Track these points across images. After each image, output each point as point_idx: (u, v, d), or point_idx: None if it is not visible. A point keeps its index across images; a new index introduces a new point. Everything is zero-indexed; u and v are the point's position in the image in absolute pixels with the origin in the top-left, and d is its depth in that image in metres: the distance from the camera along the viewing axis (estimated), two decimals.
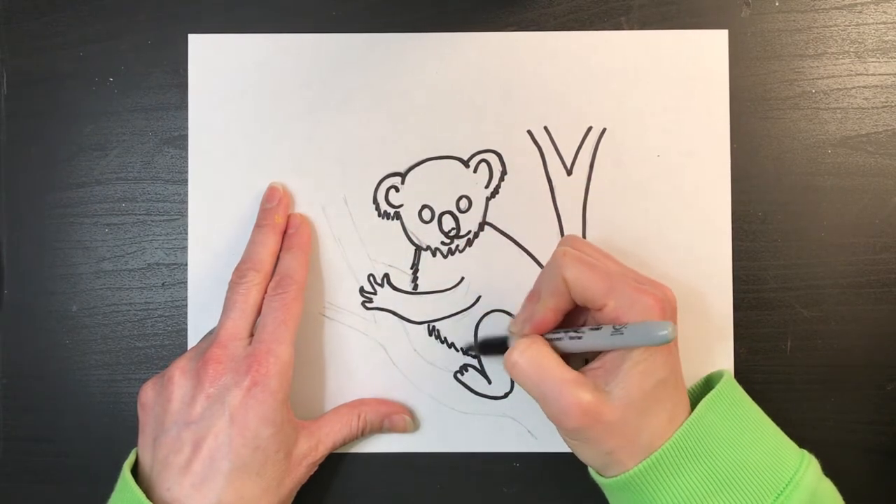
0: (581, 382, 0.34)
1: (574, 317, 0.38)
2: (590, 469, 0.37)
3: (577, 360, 0.37)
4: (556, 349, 0.36)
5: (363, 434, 0.41)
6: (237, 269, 0.39)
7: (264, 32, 0.42)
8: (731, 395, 0.37)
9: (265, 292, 0.39)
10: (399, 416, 0.41)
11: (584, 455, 0.35)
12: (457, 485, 0.42)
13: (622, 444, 0.34)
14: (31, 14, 0.42)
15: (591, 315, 0.36)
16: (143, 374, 0.42)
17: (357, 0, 0.42)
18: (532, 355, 0.35)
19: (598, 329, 0.34)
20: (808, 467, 0.34)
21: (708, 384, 0.39)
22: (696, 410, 0.35)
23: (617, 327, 0.33)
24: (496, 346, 0.40)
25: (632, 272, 0.37)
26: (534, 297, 0.37)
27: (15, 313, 0.42)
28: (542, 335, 0.36)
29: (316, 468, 0.40)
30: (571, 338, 0.35)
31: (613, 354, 0.34)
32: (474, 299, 0.42)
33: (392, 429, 0.41)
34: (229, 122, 0.42)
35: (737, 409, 0.36)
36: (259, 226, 0.41)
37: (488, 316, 0.42)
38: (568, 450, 0.42)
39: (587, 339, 0.35)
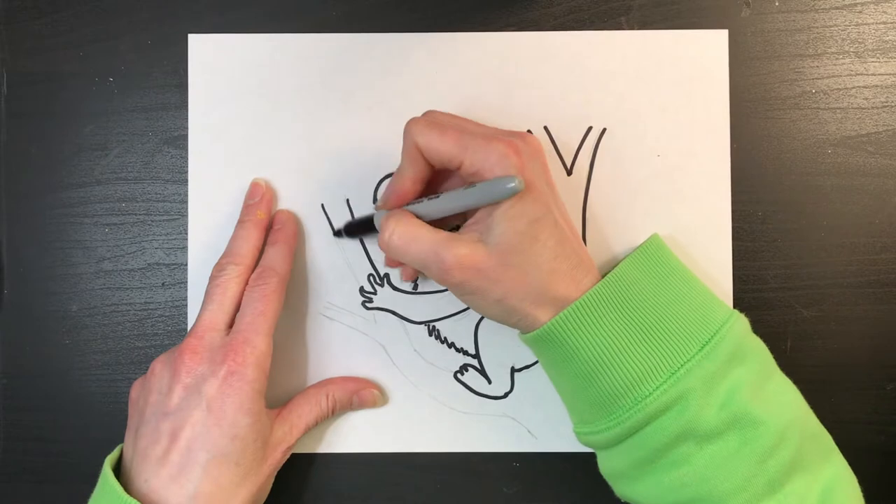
0: (454, 238, 0.34)
1: (441, 183, 0.39)
2: (518, 335, 0.37)
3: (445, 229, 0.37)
4: (422, 219, 0.36)
5: (333, 412, 0.41)
6: (217, 263, 0.39)
7: (264, 32, 0.42)
8: (658, 253, 0.38)
9: (246, 285, 0.39)
10: (367, 391, 0.41)
11: (484, 309, 0.36)
12: (457, 485, 0.42)
13: (512, 289, 0.34)
14: (31, 14, 0.42)
15: (457, 178, 0.37)
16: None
17: (357, 0, 0.42)
18: (403, 229, 0.35)
19: (454, 189, 0.35)
20: (736, 321, 0.35)
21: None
22: (617, 266, 0.36)
23: (470, 185, 0.34)
24: (363, 226, 0.40)
25: (486, 127, 0.37)
26: (396, 174, 0.38)
27: (15, 313, 0.42)
28: (404, 207, 0.37)
29: (291, 452, 0.40)
30: (430, 199, 0.36)
31: (483, 209, 0.35)
32: None
33: (362, 404, 0.41)
34: (229, 122, 0.42)
35: (663, 267, 0.37)
36: (241, 221, 0.41)
37: None
38: (568, 450, 0.42)
39: (444, 199, 0.35)
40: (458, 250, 0.34)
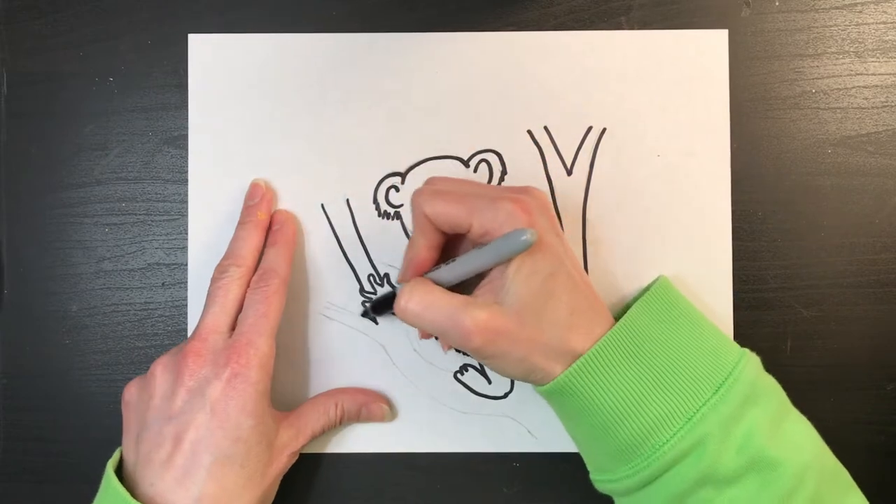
0: (470, 303, 0.34)
1: (455, 250, 0.38)
2: (532, 386, 0.37)
3: (469, 291, 0.37)
4: (441, 285, 0.36)
5: (341, 422, 0.41)
6: (219, 265, 0.39)
7: (264, 32, 0.42)
8: (666, 296, 0.37)
9: (248, 287, 0.39)
10: (376, 405, 0.41)
11: (505, 370, 0.35)
12: (457, 485, 0.42)
13: (532, 348, 0.34)
14: (31, 14, 0.42)
15: (469, 242, 0.37)
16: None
17: (357, 0, 0.42)
18: (418, 295, 0.35)
19: (469, 252, 0.35)
20: (747, 362, 0.35)
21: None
22: (626, 314, 0.35)
23: (483, 245, 0.34)
24: (387, 302, 0.40)
25: (491, 188, 0.37)
26: (410, 245, 0.38)
27: (15, 313, 0.42)
28: (423, 276, 0.37)
29: (297, 457, 0.40)
30: (447, 264, 0.36)
31: (497, 269, 0.34)
32: None
33: (370, 418, 0.41)
34: (229, 122, 0.42)
35: (672, 311, 0.37)
36: (241, 222, 0.41)
37: None
38: (568, 450, 0.42)
39: (460, 263, 0.35)
40: (475, 314, 0.33)
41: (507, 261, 0.34)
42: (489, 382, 0.42)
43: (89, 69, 0.42)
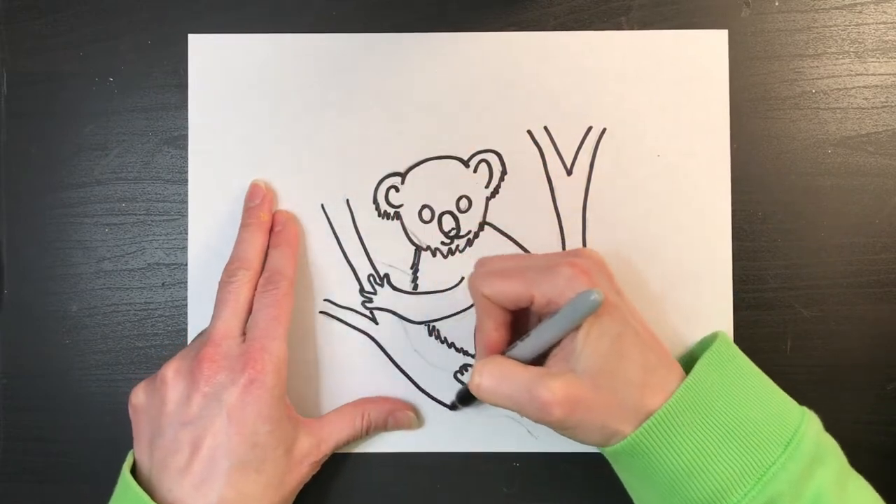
0: (545, 374, 0.34)
1: (523, 325, 0.38)
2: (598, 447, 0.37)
3: (541, 363, 0.37)
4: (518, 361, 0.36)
5: (367, 433, 0.41)
6: (226, 269, 0.39)
7: (264, 32, 0.42)
8: (728, 352, 0.37)
9: (255, 290, 0.39)
10: (403, 413, 0.41)
11: (586, 438, 0.35)
12: (457, 485, 0.42)
13: (610, 413, 0.33)
14: (31, 14, 0.42)
15: (534, 314, 0.37)
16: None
17: (357, 0, 0.42)
18: (491, 370, 0.35)
19: (540, 324, 0.35)
20: (811, 420, 0.34)
21: (698, 349, 0.39)
22: (692, 371, 0.35)
23: (551, 315, 0.34)
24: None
25: (544, 256, 0.37)
26: (476, 332, 0.38)
27: (15, 313, 0.42)
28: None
29: (319, 467, 0.40)
30: (523, 340, 0.35)
31: (566, 338, 0.34)
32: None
33: (397, 426, 0.41)
34: (229, 122, 0.42)
35: (734, 367, 0.36)
36: (245, 224, 0.41)
37: None
38: (568, 450, 0.42)
39: (534, 336, 0.35)
40: (552, 384, 0.33)
41: (577, 327, 0.33)
42: None
43: (89, 69, 0.42)
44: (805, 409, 0.35)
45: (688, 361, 0.37)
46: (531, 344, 0.35)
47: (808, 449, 0.33)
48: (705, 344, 0.39)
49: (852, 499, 0.33)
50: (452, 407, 0.42)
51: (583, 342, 0.33)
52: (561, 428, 0.34)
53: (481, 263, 0.38)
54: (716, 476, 0.33)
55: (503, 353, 0.36)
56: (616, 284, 0.36)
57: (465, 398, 0.40)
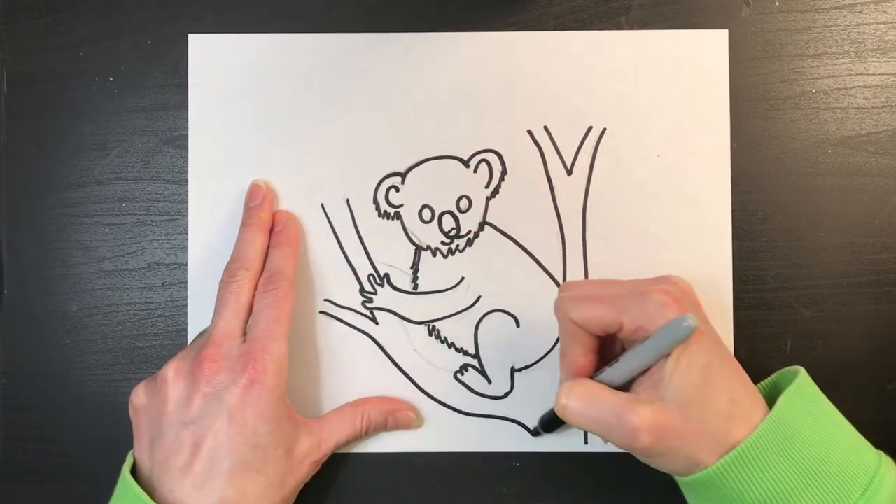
0: (635, 400, 0.33)
1: (611, 352, 0.37)
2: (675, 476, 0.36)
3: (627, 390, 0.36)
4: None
5: (367, 433, 0.41)
6: (227, 269, 0.39)
7: (264, 32, 0.42)
8: (810, 390, 0.36)
9: (256, 290, 0.39)
10: (403, 413, 0.41)
11: (671, 467, 0.34)
12: (457, 485, 0.42)
13: (697, 443, 0.33)
14: (31, 14, 0.42)
15: (622, 341, 0.36)
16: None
17: (357, 0, 0.42)
18: (579, 392, 0.34)
19: (630, 349, 0.34)
20: (889, 465, 0.34)
21: (778, 382, 0.39)
22: (776, 405, 0.34)
23: (641, 341, 0.33)
24: (556, 417, 0.38)
25: (633, 283, 0.36)
26: (562, 356, 0.37)
27: (15, 313, 0.42)
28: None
29: (319, 467, 0.40)
30: (611, 366, 0.35)
31: (655, 365, 0.34)
32: (474, 299, 0.42)
33: (397, 426, 0.41)
34: (229, 122, 0.42)
35: (815, 406, 0.36)
36: (245, 224, 0.41)
37: (488, 316, 0.42)
38: (568, 450, 0.42)
39: (623, 362, 0.34)
40: (641, 411, 0.32)
41: (666, 355, 0.33)
42: (489, 382, 0.42)
43: (89, 69, 0.42)
44: (881, 452, 0.35)
45: (769, 392, 0.37)
46: (620, 370, 0.34)
47: (886, 492, 0.32)
48: (784, 377, 0.38)
49: None
50: (535, 433, 0.42)
51: (672, 370, 0.33)
52: (647, 455, 0.34)
53: (567, 287, 0.37)
54: None
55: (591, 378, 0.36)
56: (703, 313, 0.36)
57: (550, 424, 0.40)
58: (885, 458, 0.34)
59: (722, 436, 0.33)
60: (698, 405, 0.33)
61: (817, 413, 0.35)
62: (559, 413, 0.35)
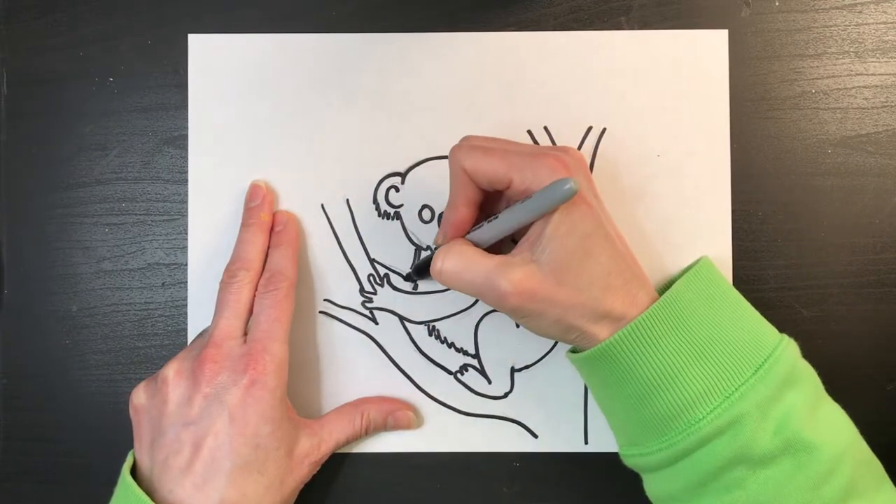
0: (507, 263, 0.34)
1: (493, 209, 0.38)
2: (566, 354, 0.37)
3: (507, 251, 0.37)
4: (483, 243, 0.36)
5: (367, 433, 0.41)
6: (227, 269, 0.39)
7: (264, 32, 0.42)
8: (709, 275, 0.37)
9: (256, 290, 0.39)
10: (402, 413, 0.41)
11: (541, 330, 0.35)
12: (457, 485, 0.42)
13: (568, 308, 0.34)
14: (31, 14, 0.42)
15: (506, 199, 0.37)
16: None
17: (357, 0, 0.42)
18: (453, 256, 0.35)
19: (510, 206, 0.35)
20: (787, 345, 0.35)
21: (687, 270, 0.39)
22: (674, 286, 0.35)
23: (525, 198, 0.34)
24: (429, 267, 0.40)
25: (531, 146, 0.37)
26: (448, 206, 0.37)
27: (15, 313, 0.42)
28: (464, 236, 0.37)
29: (319, 467, 0.40)
30: (488, 222, 0.36)
31: (535, 225, 0.34)
32: (474, 299, 0.42)
33: (396, 426, 0.41)
34: (229, 122, 0.42)
35: (715, 289, 0.37)
36: (245, 224, 0.41)
37: (488, 316, 0.42)
38: (568, 450, 0.42)
39: (503, 219, 0.35)
40: (512, 275, 0.33)
41: (547, 217, 0.33)
42: (489, 382, 0.42)
43: (89, 69, 0.42)
44: (785, 336, 0.35)
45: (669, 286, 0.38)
46: (498, 226, 0.35)
47: (780, 372, 0.33)
48: (689, 268, 0.39)
49: (823, 422, 0.33)
50: (408, 278, 0.42)
51: (551, 234, 0.33)
52: (517, 317, 0.35)
53: (467, 139, 0.37)
54: (684, 390, 0.33)
55: (469, 231, 0.37)
56: (595, 189, 0.36)
57: (422, 270, 0.40)
58: (787, 340, 0.35)
59: (596, 305, 0.34)
60: (573, 272, 0.33)
61: (715, 296, 0.36)
62: (434, 276, 0.36)
